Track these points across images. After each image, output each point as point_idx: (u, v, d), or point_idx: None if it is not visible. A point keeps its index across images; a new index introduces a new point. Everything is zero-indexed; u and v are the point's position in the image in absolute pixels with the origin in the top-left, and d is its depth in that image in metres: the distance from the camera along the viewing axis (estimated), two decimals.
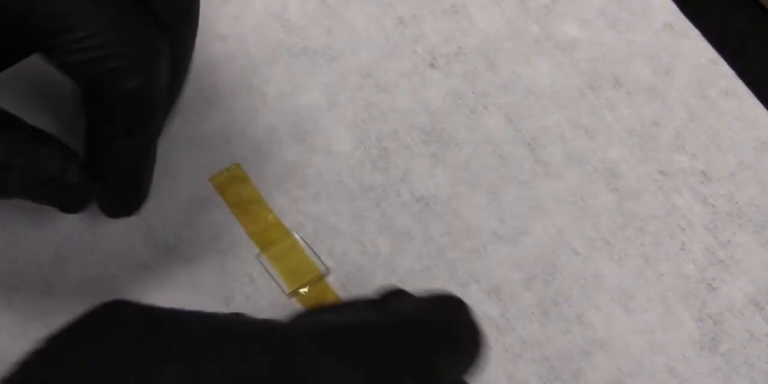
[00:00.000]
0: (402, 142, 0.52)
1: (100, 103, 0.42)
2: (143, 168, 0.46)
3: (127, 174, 0.46)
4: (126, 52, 0.41)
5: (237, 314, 0.36)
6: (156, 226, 0.50)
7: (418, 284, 0.50)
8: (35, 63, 0.41)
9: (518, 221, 0.51)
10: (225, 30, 0.54)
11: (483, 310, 0.49)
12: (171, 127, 0.51)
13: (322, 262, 0.50)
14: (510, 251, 0.50)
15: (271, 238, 0.51)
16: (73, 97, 0.46)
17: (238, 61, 0.53)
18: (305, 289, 0.50)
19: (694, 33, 0.54)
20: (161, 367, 0.31)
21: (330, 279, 0.50)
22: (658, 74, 0.53)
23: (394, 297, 0.39)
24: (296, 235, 0.51)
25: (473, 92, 0.53)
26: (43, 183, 0.43)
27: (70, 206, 0.45)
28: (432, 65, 0.53)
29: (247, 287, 0.50)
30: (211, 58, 0.53)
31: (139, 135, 0.43)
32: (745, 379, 0.49)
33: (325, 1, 0.54)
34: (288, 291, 0.49)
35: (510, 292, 0.50)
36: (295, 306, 0.49)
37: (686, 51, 0.54)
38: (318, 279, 0.50)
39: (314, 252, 0.50)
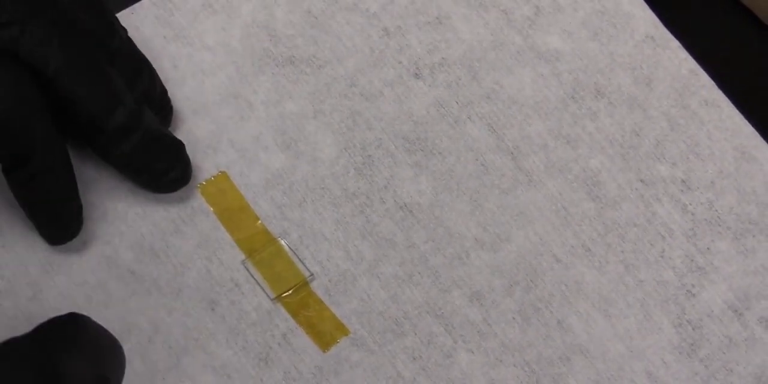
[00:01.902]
0: (386, 150, 0.52)
1: None
2: (49, 196, 0.47)
3: (32, 204, 0.48)
4: None
5: None
6: (143, 232, 0.50)
7: (401, 290, 0.50)
8: None
9: (500, 228, 0.51)
10: (212, 40, 0.54)
11: (465, 315, 0.50)
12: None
13: (307, 268, 0.51)
14: (492, 258, 0.51)
15: (257, 244, 0.51)
16: None
17: (225, 70, 0.54)
18: (290, 295, 0.50)
19: (674, 44, 0.55)
20: None
21: (314, 284, 0.51)
22: (639, 85, 0.54)
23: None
24: (281, 242, 0.51)
25: (457, 102, 0.53)
26: None
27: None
28: (416, 75, 0.54)
29: (233, 292, 0.50)
30: (199, 69, 0.53)
31: (25, 167, 0.45)
32: (724, 383, 0.49)
33: (311, 11, 0.55)
34: (273, 296, 0.50)
35: (492, 298, 0.50)
36: (279, 311, 0.50)
37: (667, 62, 0.54)
38: (302, 285, 0.50)
39: (299, 258, 0.51)
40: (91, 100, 0.46)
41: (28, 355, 0.37)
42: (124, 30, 0.49)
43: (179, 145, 0.50)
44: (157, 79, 0.50)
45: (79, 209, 0.49)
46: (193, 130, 0.52)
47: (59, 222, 0.49)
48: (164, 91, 0.51)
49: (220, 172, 0.52)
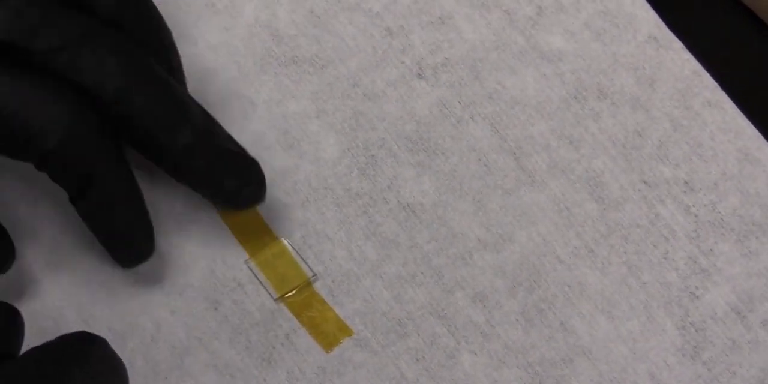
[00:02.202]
0: (389, 150, 0.52)
1: (39, 169, 0.44)
2: (117, 223, 0.47)
3: (103, 232, 0.48)
4: (35, 118, 0.42)
5: None
6: None
7: (404, 290, 0.50)
8: None
9: (503, 229, 0.51)
10: (215, 40, 0.54)
11: (468, 316, 0.50)
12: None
13: (310, 268, 0.51)
14: (495, 258, 0.51)
15: (260, 244, 0.51)
16: None
17: (228, 70, 0.54)
18: (293, 295, 0.50)
19: (677, 45, 0.55)
20: None
21: (317, 285, 0.51)
22: (642, 85, 0.54)
23: None
24: (284, 242, 0.51)
25: (459, 102, 0.53)
26: None
27: None
28: (419, 75, 0.54)
29: (236, 292, 0.50)
30: (202, 68, 0.53)
31: (89, 195, 0.45)
32: None
33: (314, 11, 0.55)
34: (276, 296, 0.50)
35: (495, 299, 0.50)
36: (283, 311, 0.50)
37: (670, 63, 0.54)
38: (305, 285, 0.50)
39: (302, 258, 0.51)
40: (156, 120, 0.45)
41: (34, 373, 0.37)
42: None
43: (252, 162, 0.49)
44: None
45: (150, 231, 0.48)
46: None
47: (132, 247, 0.48)
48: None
49: None
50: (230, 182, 0.48)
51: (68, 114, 0.43)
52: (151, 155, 0.47)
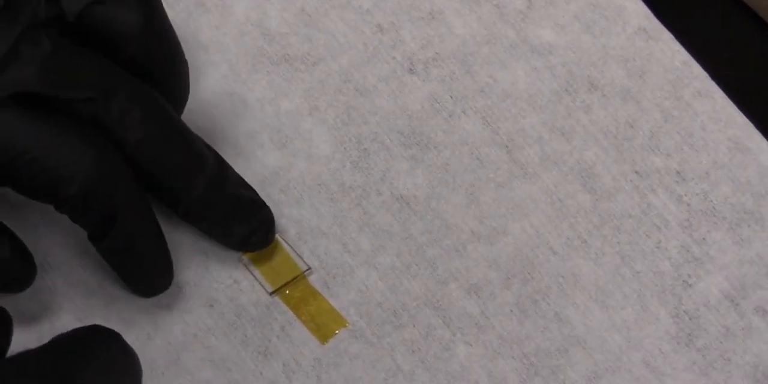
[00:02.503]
0: (382, 144, 0.53)
1: (59, 211, 0.45)
2: (138, 261, 0.48)
3: (123, 270, 0.48)
4: (60, 164, 0.42)
5: None
6: None
7: (399, 281, 0.50)
8: None
9: (496, 221, 0.52)
10: (206, 38, 0.55)
11: (463, 307, 0.50)
12: None
13: (305, 262, 0.51)
14: (489, 250, 0.51)
15: None
16: None
17: (220, 68, 0.54)
18: (288, 288, 0.50)
19: (667, 36, 0.55)
20: None
21: (312, 278, 0.51)
22: (633, 77, 0.54)
23: None
24: (279, 238, 0.51)
25: (451, 96, 0.54)
26: None
27: (8, 286, 0.47)
28: (410, 70, 0.54)
29: (231, 288, 0.50)
30: (193, 66, 0.53)
31: (110, 237, 0.45)
32: (722, 373, 0.49)
33: (305, 9, 0.55)
34: (271, 290, 0.50)
35: (489, 291, 0.51)
36: (278, 304, 0.50)
37: (659, 54, 0.55)
38: (300, 278, 0.50)
39: (297, 253, 0.51)
40: (172, 171, 0.46)
41: (39, 372, 0.37)
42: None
43: (261, 207, 0.50)
44: None
45: (169, 266, 0.49)
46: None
47: (153, 282, 0.49)
48: None
49: None
50: (240, 229, 0.49)
51: (92, 159, 0.43)
52: (167, 202, 0.48)
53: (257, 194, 0.50)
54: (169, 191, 0.47)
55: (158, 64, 0.47)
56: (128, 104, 0.44)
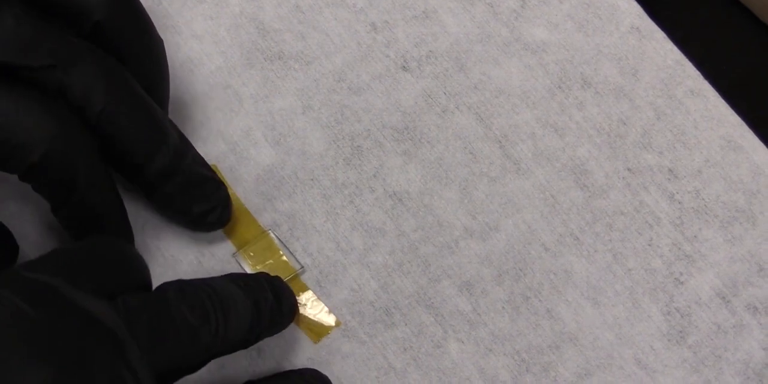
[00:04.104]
0: (375, 140, 0.53)
1: (22, 179, 0.45)
2: (93, 232, 0.48)
3: (79, 239, 0.48)
4: (22, 131, 0.43)
5: None
6: (135, 227, 0.50)
7: (391, 279, 0.50)
8: None
9: (489, 217, 0.52)
10: (200, 29, 0.55)
11: (455, 304, 0.50)
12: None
13: (297, 261, 0.51)
14: (481, 247, 0.51)
15: (248, 237, 0.51)
16: None
17: (214, 60, 0.54)
18: None
19: (659, 35, 0.55)
20: None
21: (305, 277, 0.51)
22: (626, 75, 0.54)
23: None
24: (272, 235, 0.51)
25: (444, 93, 0.54)
26: None
27: None
28: (404, 68, 0.54)
29: None
30: (188, 56, 0.54)
31: (70, 207, 0.45)
32: (713, 370, 0.50)
33: (299, 6, 0.55)
34: None
35: (481, 288, 0.51)
36: None
37: (652, 53, 0.55)
38: (293, 277, 0.50)
39: (289, 251, 0.51)
40: (134, 142, 0.46)
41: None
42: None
43: (219, 188, 0.50)
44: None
45: (129, 238, 0.49)
46: (183, 121, 0.52)
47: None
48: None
49: (211, 165, 0.52)
50: (198, 207, 0.50)
51: (53, 126, 0.43)
52: (127, 174, 0.48)
53: (216, 176, 0.50)
54: (131, 163, 0.47)
55: (126, 34, 0.47)
56: (90, 74, 0.44)
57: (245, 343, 0.44)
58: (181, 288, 0.42)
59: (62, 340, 0.36)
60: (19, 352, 0.35)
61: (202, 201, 0.49)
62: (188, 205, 0.49)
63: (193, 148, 0.49)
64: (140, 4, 0.48)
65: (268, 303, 0.45)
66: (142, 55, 0.48)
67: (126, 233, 0.48)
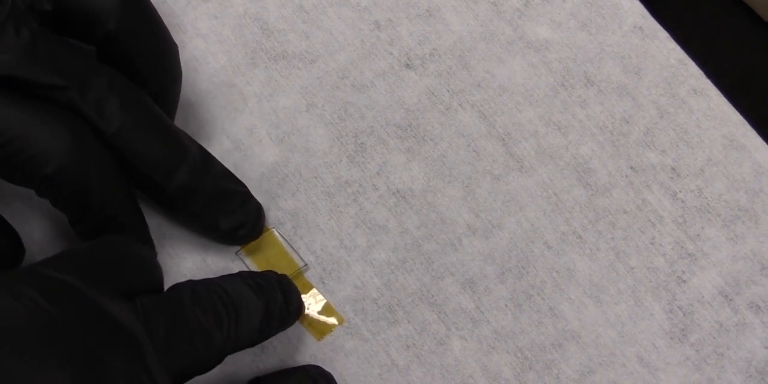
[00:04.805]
0: (378, 138, 0.53)
1: (40, 195, 0.45)
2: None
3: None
4: (37, 142, 0.43)
5: None
6: None
7: (394, 276, 0.51)
8: None
9: (492, 215, 0.52)
10: (205, 28, 0.55)
11: (458, 302, 0.50)
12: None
13: (301, 258, 0.51)
14: (484, 244, 0.51)
15: None
16: None
17: (218, 59, 0.54)
18: None
19: (662, 34, 0.55)
20: None
21: (308, 274, 0.51)
22: (629, 74, 0.54)
23: None
24: (275, 232, 0.51)
25: (448, 90, 0.54)
26: None
27: None
28: (407, 66, 0.54)
29: None
30: (192, 55, 0.54)
31: (87, 218, 0.45)
32: (715, 368, 0.50)
33: (303, 6, 0.56)
34: None
35: (484, 285, 0.51)
36: None
37: (655, 51, 0.55)
38: (297, 274, 0.50)
39: (293, 248, 0.51)
40: (153, 161, 0.46)
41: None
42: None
43: (248, 201, 0.50)
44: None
45: (150, 248, 0.49)
46: (187, 119, 0.53)
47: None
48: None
49: None
50: (225, 222, 0.49)
51: (68, 137, 0.43)
52: (148, 192, 0.48)
53: (245, 187, 0.50)
54: (151, 181, 0.47)
55: (141, 43, 0.47)
56: (105, 93, 0.44)
57: (253, 344, 0.44)
58: (194, 290, 0.42)
59: (82, 340, 0.36)
60: (38, 351, 0.35)
61: (230, 216, 0.49)
62: (214, 220, 0.49)
63: (217, 162, 0.49)
64: (154, 10, 0.48)
65: (278, 304, 0.45)
66: (155, 61, 0.48)
67: (146, 242, 0.48)
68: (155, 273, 0.43)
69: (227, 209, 0.49)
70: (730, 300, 0.51)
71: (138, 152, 0.45)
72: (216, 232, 0.50)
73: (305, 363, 0.49)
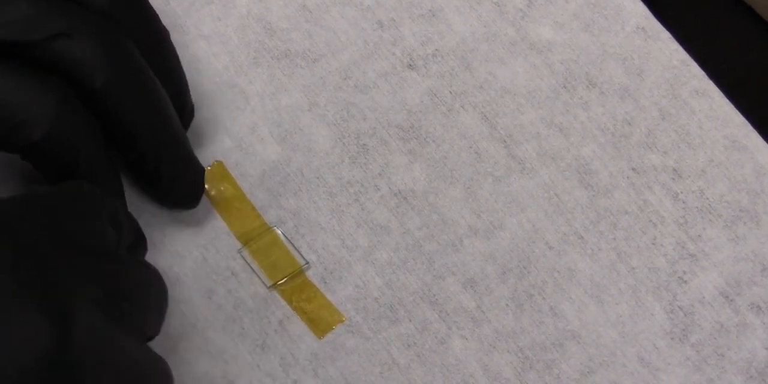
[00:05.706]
0: (380, 139, 0.53)
1: (24, 159, 0.45)
2: None
3: None
4: (23, 108, 0.43)
5: None
6: (141, 222, 0.50)
7: (395, 276, 0.51)
8: None
9: (493, 216, 0.52)
10: (208, 29, 0.55)
11: (459, 301, 0.50)
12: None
13: (303, 257, 0.51)
14: (485, 245, 0.51)
15: (253, 233, 0.52)
16: None
17: (221, 60, 0.54)
18: (285, 282, 0.50)
19: (665, 36, 0.55)
20: None
21: (310, 273, 0.51)
22: (631, 75, 0.54)
23: None
24: (277, 231, 0.52)
25: (450, 91, 0.54)
26: None
27: None
28: (410, 66, 0.55)
29: (229, 281, 0.51)
30: (195, 56, 0.54)
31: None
32: (715, 368, 0.50)
33: (306, 5, 0.56)
34: (269, 284, 0.50)
35: (485, 285, 0.51)
36: (276, 299, 0.50)
37: (658, 53, 0.55)
38: (298, 273, 0.51)
39: (294, 247, 0.51)
40: (136, 120, 0.46)
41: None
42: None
43: (201, 173, 0.50)
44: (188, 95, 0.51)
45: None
46: None
47: None
48: (192, 108, 0.51)
49: (217, 161, 0.52)
50: (184, 191, 0.50)
51: (55, 105, 0.43)
52: (118, 149, 0.48)
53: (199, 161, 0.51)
54: (128, 139, 0.47)
55: (130, 26, 0.47)
56: (98, 43, 0.44)
57: None
58: None
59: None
60: None
61: (189, 185, 0.50)
62: (180, 187, 0.50)
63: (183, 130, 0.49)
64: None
65: None
66: (148, 45, 0.48)
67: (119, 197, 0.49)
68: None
69: (184, 177, 0.49)
70: (731, 301, 0.51)
71: (122, 111, 0.45)
72: (163, 192, 0.51)
73: (306, 361, 0.49)
